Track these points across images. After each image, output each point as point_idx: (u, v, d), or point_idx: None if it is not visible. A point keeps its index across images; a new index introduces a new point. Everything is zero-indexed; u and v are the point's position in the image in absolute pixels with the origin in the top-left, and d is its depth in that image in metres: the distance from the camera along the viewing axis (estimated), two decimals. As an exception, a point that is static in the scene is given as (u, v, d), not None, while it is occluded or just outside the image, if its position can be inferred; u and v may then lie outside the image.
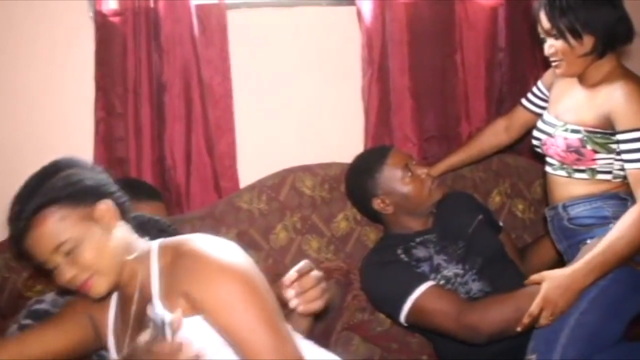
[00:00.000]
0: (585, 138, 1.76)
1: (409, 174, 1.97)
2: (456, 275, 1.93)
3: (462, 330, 1.78)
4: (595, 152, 1.75)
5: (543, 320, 1.67)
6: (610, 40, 1.73)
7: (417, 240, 1.99)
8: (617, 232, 1.65)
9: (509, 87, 2.41)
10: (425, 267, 1.93)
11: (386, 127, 2.27)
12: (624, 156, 1.70)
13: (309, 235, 2.12)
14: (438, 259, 1.95)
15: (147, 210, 1.67)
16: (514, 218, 2.35)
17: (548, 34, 1.76)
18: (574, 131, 1.78)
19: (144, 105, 2.00)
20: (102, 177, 1.36)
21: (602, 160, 1.76)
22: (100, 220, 1.29)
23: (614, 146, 1.73)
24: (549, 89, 1.98)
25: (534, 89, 2.06)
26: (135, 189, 1.67)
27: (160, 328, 1.17)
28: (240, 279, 1.23)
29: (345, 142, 2.25)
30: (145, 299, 1.28)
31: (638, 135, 1.67)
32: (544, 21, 1.75)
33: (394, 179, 1.96)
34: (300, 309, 1.33)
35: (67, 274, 1.26)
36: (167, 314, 1.20)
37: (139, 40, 1.96)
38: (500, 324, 1.73)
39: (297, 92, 2.26)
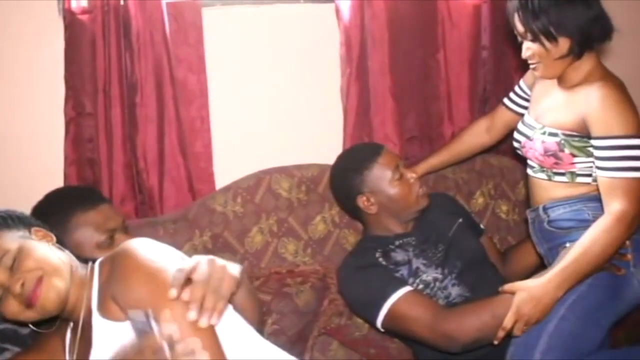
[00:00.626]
0: (562, 142, 1.71)
1: (398, 176, 1.92)
2: (435, 279, 1.88)
3: (437, 338, 1.74)
4: (574, 155, 1.70)
5: (517, 332, 1.63)
6: (586, 40, 1.67)
7: (396, 243, 1.94)
8: (588, 242, 1.61)
9: (493, 86, 2.37)
10: (404, 271, 1.89)
11: (365, 127, 2.22)
12: (596, 162, 1.65)
13: (285, 239, 2.07)
14: (417, 263, 1.90)
15: (100, 216, 1.62)
16: (497, 220, 2.30)
17: (523, 36, 1.71)
18: (551, 134, 1.73)
19: (114, 105, 1.95)
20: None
21: (581, 163, 1.72)
22: (39, 239, 1.32)
23: (592, 150, 1.68)
24: (530, 88, 1.93)
25: (516, 89, 2.02)
26: (82, 197, 1.66)
27: (145, 323, 1.15)
28: (152, 279, 1.19)
29: (323, 143, 2.21)
30: (89, 316, 1.26)
31: (611, 143, 1.62)
32: (518, 25, 1.70)
33: (383, 178, 1.92)
34: (203, 322, 1.16)
35: (15, 285, 1.23)
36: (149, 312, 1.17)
37: (108, 38, 1.91)
38: (475, 333, 1.69)
39: (275, 91, 2.21)
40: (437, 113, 2.33)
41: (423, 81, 2.30)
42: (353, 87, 2.18)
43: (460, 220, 2.02)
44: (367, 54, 2.18)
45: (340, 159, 2.02)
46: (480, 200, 2.29)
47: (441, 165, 2.18)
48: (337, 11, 2.17)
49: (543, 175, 1.79)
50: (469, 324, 1.70)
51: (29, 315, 1.27)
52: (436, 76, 2.31)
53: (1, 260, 1.24)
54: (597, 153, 1.64)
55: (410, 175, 1.94)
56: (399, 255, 1.91)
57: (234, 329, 1.29)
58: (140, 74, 1.97)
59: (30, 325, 1.33)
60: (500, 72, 2.37)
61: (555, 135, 1.72)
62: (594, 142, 1.65)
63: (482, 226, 2.14)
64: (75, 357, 1.31)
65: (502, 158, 2.34)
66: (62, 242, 1.39)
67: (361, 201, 1.93)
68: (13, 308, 1.25)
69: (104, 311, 1.24)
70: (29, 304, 1.24)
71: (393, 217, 1.95)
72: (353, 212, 2.02)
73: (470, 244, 2.00)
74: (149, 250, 1.24)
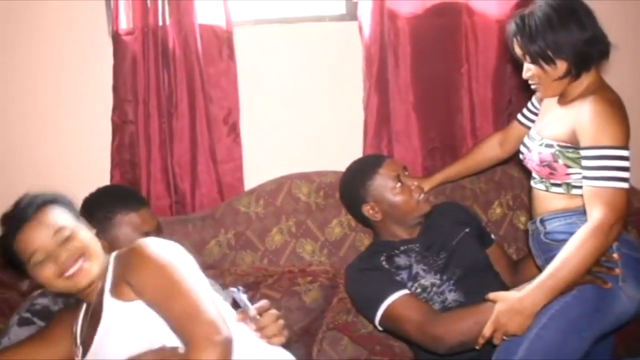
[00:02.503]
0: (557, 153, 1.76)
1: (399, 184, 2.03)
2: (432, 284, 1.98)
3: (426, 339, 1.85)
4: (568, 166, 1.75)
5: (495, 341, 1.70)
6: (583, 62, 1.72)
7: (401, 248, 2.06)
8: (565, 255, 1.64)
9: (517, 100, 2.42)
10: (404, 275, 2.00)
11: (384, 139, 2.35)
12: (583, 172, 1.69)
13: (303, 239, 2.24)
14: (417, 268, 2.01)
15: (139, 219, 1.84)
16: (515, 230, 2.35)
17: (522, 59, 1.78)
18: (548, 146, 1.79)
19: (152, 115, 2.21)
20: None
21: (577, 174, 1.75)
22: (85, 226, 1.58)
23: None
24: (540, 103, 2.00)
25: (529, 104, 2.08)
26: (126, 199, 1.88)
27: (241, 301, 1.53)
28: (163, 266, 1.43)
29: (345, 152, 2.34)
30: (99, 298, 1.50)
31: (596, 153, 1.66)
32: (516, 48, 1.77)
33: (385, 187, 2.03)
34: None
35: (61, 254, 1.48)
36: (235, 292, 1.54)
37: (147, 56, 2.17)
38: (459, 337, 1.79)
39: (300, 103, 2.40)
40: (460, 126, 2.42)
41: (446, 95, 2.40)
42: (372, 100, 2.32)
43: (467, 230, 2.10)
44: (388, 69, 2.31)
45: (346, 171, 2.16)
46: (498, 210, 2.35)
47: (456, 176, 2.27)
48: (360, 29, 2.32)
49: (542, 186, 1.85)
50: (455, 328, 1.80)
51: (60, 284, 1.50)
52: (460, 90, 2.39)
53: (58, 232, 1.49)
54: (584, 162, 1.69)
55: (412, 183, 2.04)
56: (401, 260, 2.03)
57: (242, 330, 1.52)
58: (176, 87, 2.22)
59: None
60: (525, 87, 2.40)
61: (551, 146, 1.78)
62: (582, 152, 1.70)
63: (493, 236, 2.21)
64: (85, 330, 1.55)
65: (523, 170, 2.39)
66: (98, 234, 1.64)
67: (366, 210, 2.06)
68: (49, 273, 1.48)
69: (116, 293, 1.47)
70: (66, 275, 1.48)
71: (398, 223, 2.07)
72: (361, 219, 2.16)
73: (473, 252, 2.07)
74: (158, 247, 1.49)
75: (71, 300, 1.64)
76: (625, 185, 1.65)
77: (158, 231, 1.88)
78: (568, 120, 1.75)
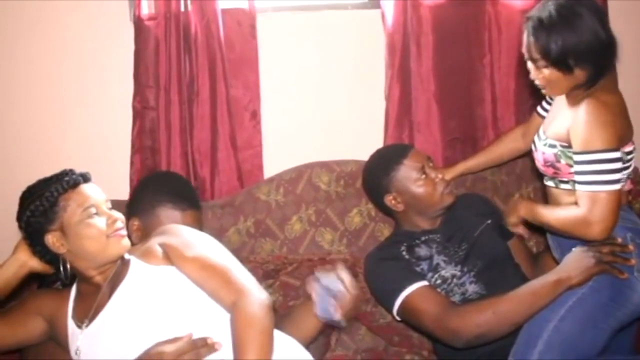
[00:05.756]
0: (559, 153, 1.76)
1: (423, 176, 2.01)
2: (453, 276, 1.97)
3: (442, 332, 1.84)
4: (570, 166, 1.74)
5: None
6: (602, 70, 1.68)
7: (422, 238, 2.05)
8: (551, 215, 1.79)
9: (540, 92, 2.39)
10: (424, 266, 1.99)
11: (406, 129, 2.34)
12: (575, 175, 1.71)
13: (322, 228, 2.24)
14: (438, 259, 2.00)
15: (183, 220, 1.84)
16: (535, 223, 2.34)
17: (534, 60, 1.73)
18: (551, 146, 1.78)
19: (173, 101, 2.20)
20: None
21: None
22: None
23: None
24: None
25: (547, 97, 2.05)
26: (179, 196, 1.88)
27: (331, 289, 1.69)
28: (200, 236, 1.58)
29: (366, 141, 2.33)
30: (117, 282, 1.53)
31: (586, 158, 1.66)
32: (533, 51, 1.71)
33: (409, 179, 2.02)
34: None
35: (116, 215, 1.55)
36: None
37: (169, 41, 2.16)
38: (476, 329, 1.77)
39: (322, 91, 2.39)
40: (481, 117, 2.40)
41: (468, 85, 2.38)
42: (394, 89, 2.30)
43: (489, 221, 2.09)
44: (410, 58, 2.29)
45: (370, 159, 2.14)
46: (519, 202, 2.33)
47: (478, 167, 2.25)
48: (383, 17, 2.30)
49: (552, 183, 1.85)
50: (471, 321, 1.78)
51: (103, 243, 1.51)
52: (482, 80, 2.38)
53: (107, 201, 1.56)
54: (575, 167, 1.70)
55: (436, 175, 2.03)
56: (422, 251, 2.02)
57: None
58: (197, 73, 2.20)
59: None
60: (548, 78, 2.39)
61: (554, 146, 1.77)
62: (573, 157, 1.70)
63: (513, 228, 2.20)
64: (84, 307, 1.57)
65: (546, 162, 2.37)
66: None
67: (388, 200, 2.05)
68: (100, 228, 1.50)
69: (145, 258, 1.53)
70: (119, 233, 1.52)
71: (420, 214, 2.06)
72: (383, 209, 2.15)
73: (495, 244, 2.06)
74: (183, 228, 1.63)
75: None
76: (616, 187, 1.65)
77: None
78: (568, 122, 1.73)
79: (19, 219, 1.54)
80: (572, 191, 1.77)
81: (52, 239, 1.51)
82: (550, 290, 1.72)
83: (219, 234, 2.16)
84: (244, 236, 2.21)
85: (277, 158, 2.35)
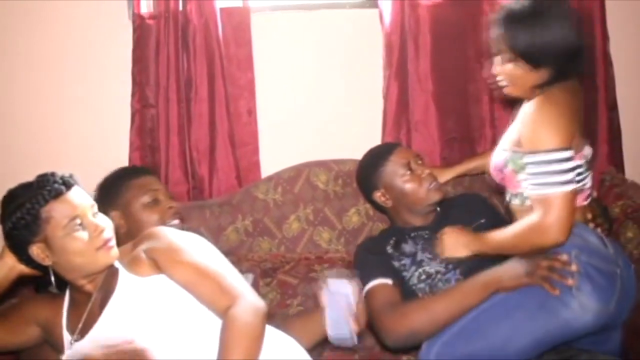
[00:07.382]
0: (508, 157, 1.71)
1: (409, 172, 2.03)
2: (437, 272, 1.95)
3: (377, 329, 1.83)
4: (516, 172, 1.69)
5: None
6: (563, 73, 1.64)
7: (411, 235, 2.04)
8: (504, 236, 1.70)
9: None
10: (406, 261, 1.98)
11: (403, 128, 2.34)
12: (527, 178, 1.64)
13: (320, 227, 2.24)
14: (422, 256, 1.99)
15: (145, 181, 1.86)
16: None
17: (499, 52, 1.69)
18: (504, 149, 1.74)
19: (171, 99, 2.21)
20: None
21: (526, 182, 1.66)
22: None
23: None
24: None
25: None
26: (128, 170, 1.95)
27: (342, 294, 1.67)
28: (188, 239, 1.52)
29: (363, 140, 2.32)
30: (110, 279, 1.51)
31: (536, 159, 1.60)
32: (501, 42, 1.66)
33: (395, 174, 2.03)
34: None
35: (103, 224, 1.48)
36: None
37: (168, 40, 2.16)
38: (405, 331, 1.75)
39: (319, 90, 2.39)
40: (479, 116, 2.40)
41: (466, 84, 2.38)
42: (392, 89, 2.31)
43: (483, 220, 2.08)
44: (408, 57, 2.30)
45: (362, 157, 2.15)
46: (516, 202, 2.33)
47: (476, 169, 2.24)
48: (380, 16, 2.30)
49: (508, 197, 1.79)
50: (403, 321, 1.76)
51: (91, 255, 1.45)
52: (479, 80, 2.37)
53: (93, 206, 1.48)
54: (527, 169, 1.63)
55: (422, 171, 2.03)
56: (408, 247, 2.01)
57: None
58: (196, 72, 2.21)
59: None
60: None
61: (505, 150, 1.73)
62: (523, 159, 1.64)
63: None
64: (76, 317, 1.55)
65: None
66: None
67: (377, 196, 2.06)
68: (85, 241, 1.43)
69: (133, 268, 1.49)
70: (108, 245, 1.46)
71: (409, 210, 2.06)
72: (375, 206, 2.15)
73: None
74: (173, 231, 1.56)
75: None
76: (569, 187, 1.58)
77: (179, 216, 1.87)
78: (519, 122, 1.69)
79: (2, 226, 1.47)
80: (520, 207, 1.72)
81: (36, 251, 1.45)
82: (479, 291, 1.70)
83: (217, 233, 2.16)
84: (242, 235, 2.22)
85: (275, 157, 2.35)
